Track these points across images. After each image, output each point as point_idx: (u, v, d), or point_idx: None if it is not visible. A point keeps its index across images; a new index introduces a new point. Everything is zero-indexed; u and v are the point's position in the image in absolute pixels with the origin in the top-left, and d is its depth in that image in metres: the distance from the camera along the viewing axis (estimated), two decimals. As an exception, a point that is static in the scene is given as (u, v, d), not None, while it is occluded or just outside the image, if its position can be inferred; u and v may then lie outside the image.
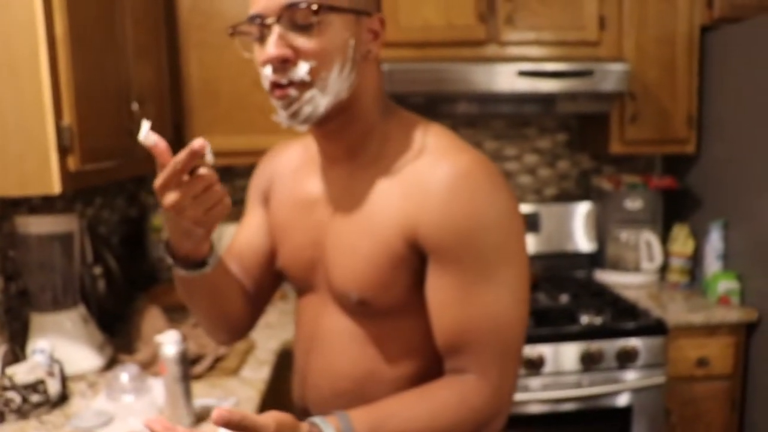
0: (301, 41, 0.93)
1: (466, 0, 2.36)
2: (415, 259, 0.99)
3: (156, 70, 2.13)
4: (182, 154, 0.85)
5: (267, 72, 0.95)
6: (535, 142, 2.90)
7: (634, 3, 2.47)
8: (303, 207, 1.13)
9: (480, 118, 2.84)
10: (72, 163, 1.48)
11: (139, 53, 1.95)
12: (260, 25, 0.95)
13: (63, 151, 1.45)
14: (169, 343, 1.41)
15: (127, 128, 1.81)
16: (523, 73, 2.29)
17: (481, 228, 0.94)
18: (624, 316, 2.26)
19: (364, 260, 1.01)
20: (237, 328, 1.22)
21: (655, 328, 2.19)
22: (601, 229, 2.81)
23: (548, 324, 2.18)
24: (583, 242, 2.80)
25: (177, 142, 2.31)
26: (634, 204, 2.72)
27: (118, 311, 2.19)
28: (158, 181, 0.88)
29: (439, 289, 0.97)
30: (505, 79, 2.29)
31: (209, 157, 0.86)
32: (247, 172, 2.70)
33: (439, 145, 1.00)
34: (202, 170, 0.88)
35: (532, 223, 2.74)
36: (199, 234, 0.95)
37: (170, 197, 0.87)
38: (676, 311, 2.29)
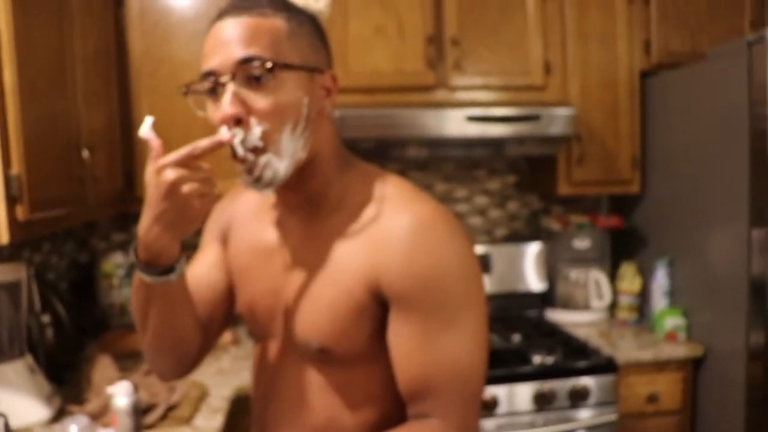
0: (255, 99, 0.93)
1: (415, 46, 2.42)
2: (376, 307, 1.00)
3: (107, 117, 2.13)
4: (207, 141, 0.88)
5: (223, 132, 0.93)
6: (485, 183, 2.96)
7: (577, 49, 2.56)
8: (262, 254, 1.13)
9: (430, 161, 2.89)
10: (20, 212, 1.46)
11: (89, 100, 1.94)
12: (214, 83, 0.95)
13: (11, 201, 1.44)
14: (120, 394, 1.39)
15: (77, 175, 1.80)
16: (472, 119, 2.35)
17: (442, 276, 0.96)
18: (575, 355, 2.29)
19: (325, 309, 1.01)
20: (183, 358, 1.16)
21: (606, 366, 2.23)
22: (551, 269, 2.86)
23: (501, 365, 2.21)
24: (533, 282, 2.85)
25: (128, 189, 2.30)
26: (582, 243, 2.78)
27: (68, 360, 2.14)
28: (168, 160, 0.87)
29: (402, 336, 0.98)
30: (455, 124, 2.35)
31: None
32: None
33: (398, 195, 1.02)
34: (204, 165, 0.90)
35: (483, 264, 2.78)
36: (179, 228, 0.92)
37: (173, 172, 0.86)
38: (625, 348, 2.34)
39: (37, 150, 1.54)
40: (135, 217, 2.63)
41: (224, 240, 1.22)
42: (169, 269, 0.98)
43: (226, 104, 0.92)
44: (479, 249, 2.80)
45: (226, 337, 2.44)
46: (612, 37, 2.59)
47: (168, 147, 0.90)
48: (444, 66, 2.46)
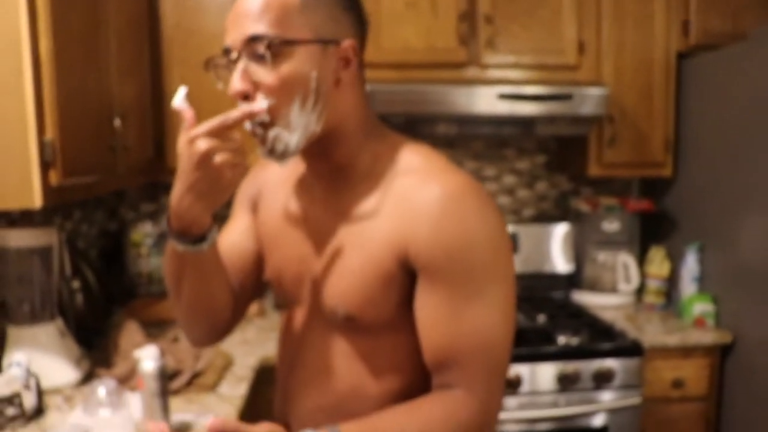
0: (262, 74, 0.95)
1: (447, 23, 2.40)
2: (404, 276, 1.00)
3: (139, 87, 2.14)
4: (238, 112, 0.90)
5: (240, 104, 0.96)
6: (514, 163, 2.94)
7: (612, 29, 2.52)
8: (291, 221, 1.14)
9: (459, 139, 2.87)
10: (54, 177, 1.48)
11: (122, 70, 1.96)
12: (228, 61, 0.97)
13: (45, 166, 1.46)
14: (147, 358, 1.41)
15: (109, 144, 1.82)
16: (503, 96, 2.33)
17: (471, 247, 0.96)
18: (601, 337, 2.28)
19: (353, 277, 1.02)
20: (217, 325, 1.19)
21: (632, 349, 2.21)
22: (578, 251, 2.84)
23: (526, 344, 2.20)
24: (560, 263, 2.83)
25: (158, 158, 2.31)
26: (611, 226, 2.75)
27: (96, 326, 2.18)
28: (200, 130, 0.89)
29: (428, 307, 0.99)
30: (485, 101, 2.33)
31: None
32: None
33: (429, 166, 1.02)
34: (236, 135, 0.92)
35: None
36: (211, 198, 0.93)
37: (205, 142, 0.88)
38: (652, 333, 2.32)
39: (70, 117, 1.56)
40: (164, 187, 2.67)
41: (254, 208, 1.23)
42: (200, 238, 1.01)
43: (235, 80, 0.95)
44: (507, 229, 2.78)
45: (252, 308, 2.46)
46: (649, 16, 2.54)
47: (198, 118, 0.92)
48: (476, 43, 2.44)
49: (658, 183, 2.78)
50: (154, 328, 2.24)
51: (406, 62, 2.39)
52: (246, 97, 0.95)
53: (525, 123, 2.49)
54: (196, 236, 1.00)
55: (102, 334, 2.17)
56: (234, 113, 0.90)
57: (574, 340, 2.26)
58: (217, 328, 1.20)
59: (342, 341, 1.08)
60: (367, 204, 1.03)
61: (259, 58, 0.94)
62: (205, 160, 0.89)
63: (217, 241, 1.07)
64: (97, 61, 1.78)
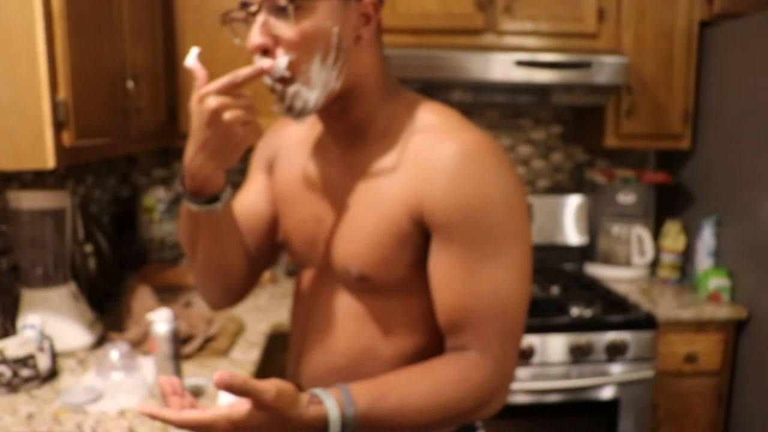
0: (282, 29, 0.93)
1: (466, -12, 2.35)
2: (418, 235, 0.99)
3: (151, 51, 2.11)
4: (248, 69, 0.89)
5: (257, 60, 0.94)
6: (530, 133, 2.90)
7: (633, -4, 2.47)
8: (306, 182, 1.13)
9: (474, 107, 2.83)
10: (66, 138, 1.46)
11: (134, 33, 1.93)
12: (246, 13, 0.95)
13: (58, 126, 1.44)
14: (161, 321, 1.41)
15: (121, 106, 1.80)
16: (521, 63, 2.29)
17: (486, 205, 0.94)
18: (614, 309, 2.27)
19: (367, 236, 1.01)
20: (232, 287, 1.19)
21: (645, 322, 2.20)
22: (592, 223, 2.81)
23: (538, 315, 2.19)
24: (574, 235, 2.80)
25: (171, 124, 2.29)
26: (626, 198, 2.73)
27: (108, 290, 2.18)
28: (210, 87, 0.89)
29: (443, 266, 0.97)
30: (502, 68, 2.29)
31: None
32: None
33: (444, 124, 1.00)
34: (246, 92, 0.92)
35: (524, 214, 2.74)
36: (222, 155, 0.94)
37: (215, 100, 0.88)
38: (666, 306, 2.30)
39: (83, 78, 1.54)
40: (176, 153, 2.65)
41: (270, 169, 1.22)
42: (214, 198, 1.01)
43: (254, 34, 0.93)
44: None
45: (264, 275, 2.45)
46: (671, -17, 2.48)
47: (212, 81, 0.90)
48: (494, 9, 2.39)
49: (675, 155, 2.74)
50: (166, 293, 2.24)
51: (422, 28, 2.35)
52: (265, 51, 0.93)
53: (541, 91, 2.45)
54: (210, 196, 1.01)
55: (114, 298, 2.18)
56: (244, 71, 0.89)
57: (588, 312, 2.25)
58: (232, 291, 1.20)
59: (355, 302, 1.07)
60: (383, 163, 1.02)
61: (279, 12, 0.92)
62: (214, 117, 0.89)
63: (231, 201, 1.07)
64: (109, 22, 1.75)
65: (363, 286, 1.05)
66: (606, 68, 2.34)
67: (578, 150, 2.94)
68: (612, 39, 2.47)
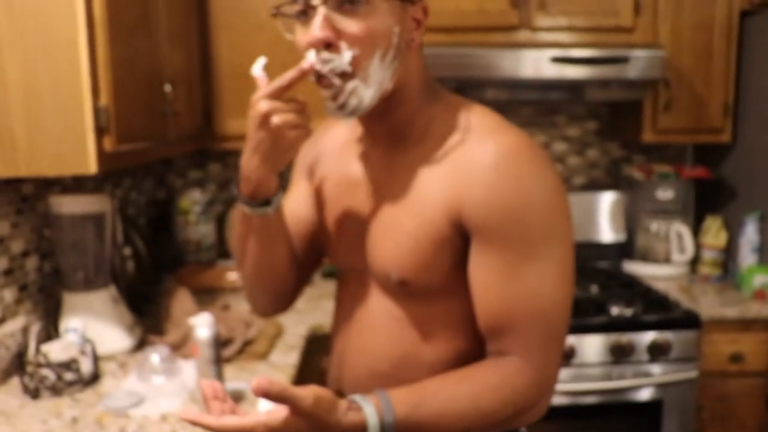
0: (346, 23, 0.92)
1: (500, -16, 2.33)
2: (458, 239, 0.97)
3: (187, 53, 2.12)
4: (293, 71, 0.91)
5: (310, 56, 0.93)
6: (564, 129, 2.87)
7: (670, -12, 2.42)
8: (347, 185, 1.13)
9: (508, 105, 2.81)
10: (108, 143, 1.48)
11: (171, 36, 1.94)
12: (305, 6, 0.94)
13: (99, 132, 1.46)
14: (202, 325, 1.41)
15: (159, 110, 1.81)
16: (556, 60, 2.25)
17: (527, 206, 0.92)
18: (655, 308, 2.22)
19: (407, 240, 1.00)
20: (280, 293, 1.20)
21: (688, 321, 2.15)
22: (630, 219, 2.77)
23: (577, 314, 2.15)
24: (611, 232, 2.77)
25: (206, 125, 2.30)
26: (665, 194, 2.68)
27: (146, 292, 2.20)
28: (261, 93, 0.92)
29: (483, 269, 0.96)
30: (537, 65, 2.26)
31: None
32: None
33: (484, 125, 0.99)
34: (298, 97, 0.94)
35: (561, 212, 2.70)
36: (274, 159, 0.96)
37: (265, 104, 0.91)
38: (709, 305, 2.25)
39: (123, 83, 1.55)
40: (212, 155, 2.66)
41: (311, 173, 1.22)
42: (266, 202, 1.03)
43: (317, 27, 0.92)
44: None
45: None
46: (710, -26, 2.43)
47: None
48: (528, 5, 2.36)
49: (715, 149, 2.69)
50: (204, 295, 2.25)
51: (456, 26, 2.33)
52: (328, 45, 0.93)
53: (576, 87, 2.42)
54: (263, 199, 1.03)
55: (151, 300, 2.19)
56: (289, 73, 0.91)
57: (628, 311, 2.21)
58: (281, 296, 1.20)
59: (396, 306, 1.06)
60: (422, 166, 1.01)
61: (343, 7, 0.92)
62: (264, 121, 0.91)
63: (282, 206, 1.08)
64: (147, 26, 1.76)
65: (403, 290, 1.04)
66: (642, 62, 2.30)
67: (614, 146, 2.90)
68: (648, 32, 2.43)
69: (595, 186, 2.89)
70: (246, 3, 2.29)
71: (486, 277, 0.96)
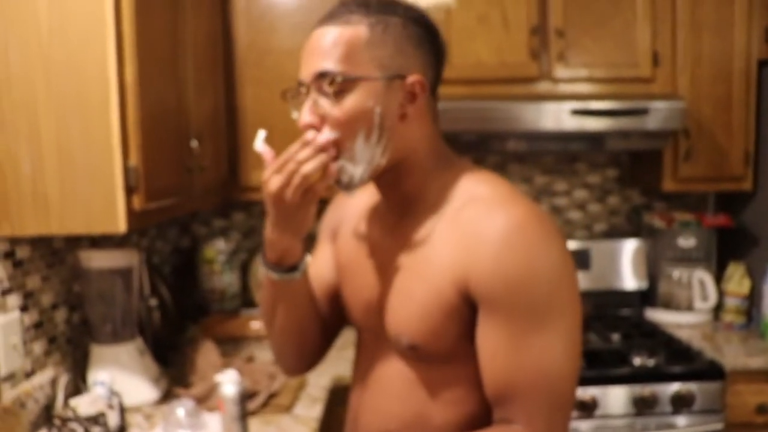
0: (327, 108, 0.99)
1: (519, 37, 2.38)
2: (466, 308, 1.00)
3: (213, 106, 2.17)
4: (296, 145, 0.97)
5: (308, 133, 1.00)
6: (585, 177, 2.88)
7: (688, 39, 2.45)
8: (364, 249, 1.16)
9: (529, 154, 2.83)
10: (137, 202, 1.52)
11: (199, 91, 1.99)
12: (300, 92, 1.02)
13: (129, 191, 1.50)
14: (228, 382, 1.43)
15: (186, 165, 1.85)
16: (576, 112, 2.28)
17: (532, 279, 0.94)
18: (678, 358, 2.21)
19: (416, 306, 1.03)
20: (307, 354, 1.25)
21: (712, 371, 2.14)
22: (651, 267, 2.76)
23: (600, 365, 2.15)
24: (633, 280, 2.76)
25: (232, 177, 2.35)
26: (687, 242, 2.68)
27: (171, 341, 2.22)
28: (269, 170, 0.99)
29: (488, 339, 0.98)
30: (557, 117, 2.29)
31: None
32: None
33: (493, 195, 1.02)
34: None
35: (581, 260, 2.71)
36: (291, 230, 1.02)
37: (275, 182, 0.97)
38: (733, 354, 2.23)
39: (151, 141, 1.59)
40: (236, 204, 2.70)
41: (334, 236, 1.26)
42: (292, 268, 1.09)
43: (304, 113, 1.00)
44: (577, 244, 2.73)
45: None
46: (728, 24, 2.45)
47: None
48: (548, 57, 2.40)
49: (736, 196, 2.69)
50: (228, 345, 2.27)
51: (476, 78, 2.37)
52: (313, 129, 0.99)
53: (596, 138, 2.44)
54: (288, 266, 1.09)
55: (176, 349, 2.21)
56: (294, 146, 0.97)
57: (651, 362, 2.20)
58: (307, 356, 1.26)
59: (407, 369, 1.09)
60: (433, 233, 1.04)
61: (324, 93, 0.99)
62: (276, 199, 0.98)
63: (307, 270, 1.14)
64: (176, 82, 1.82)
65: (414, 354, 1.06)
66: (663, 113, 2.32)
67: (635, 192, 2.91)
68: (668, 83, 2.46)
69: (615, 233, 2.90)
70: (271, 57, 2.34)
71: (491, 346, 0.98)
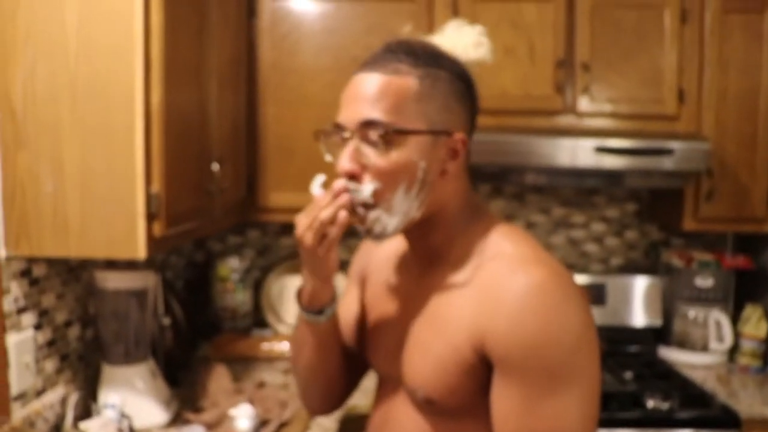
0: (371, 158, 0.98)
1: (544, 70, 2.36)
2: (482, 366, 0.98)
3: (233, 127, 2.16)
4: (327, 196, 0.99)
5: (338, 181, 1.00)
6: (603, 210, 2.86)
7: (715, 77, 2.42)
8: (388, 296, 1.16)
9: (547, 188, 2.82)
10: (157, 229, 1.51)
11: (221, 111, 1.99)
12: (340, 137, 1.00)
13: (150, 218, 1.49)
14: (243, 416, 1.43)
15: (206, 189, 1.84)
16: (601, 150, 2.26)
17: (548, 343, 0.92)
18: (693, 403, 2.17)
19: (433, 361, 1.02)
20: (331, 396, 1.26)
21: (728, 419, 2.10)
22: (667, 304, 2.73)
23: (612, 407, 2.12)
24: (647, 317, 2.72)
25: (249, 196, 2.34)
26: (705, 282, 2.65)
27: (182, 360, 2.21)
28: (300, 217, 1.03)
29: (502, 399, 0.96)
30: (579, 153, 2.26)
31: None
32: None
33: (517, 255, 1.00)
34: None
35: (597, 294, 2.68)
36: (317, 273, 1.05)
37: (300, 226, 1.02)
38: (749, 401, 2.20)
39: (174, 166, 1.59)
40: (252, 224, 2.68)
41: (362, 280, 1.27)
42: (320, 311, 1.10)
43: (344, 159, 0.98)
44: (593, 279, 2.71)
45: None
46: (756, 64, 2.42)
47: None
48: (572, 91, 2.39)
49: (756, 237, 2.66)
50: (238, 365, 2.25)
51: (501, 108, 2.35)
52: (353, 176, 0.98)
53: (616, 176, 2.42)
54: (316, 308, 1.11)
55: (187, 368, 2.20)
56: (325, 198, 0.99)
57: (665, 405, 2.16)
58: (331, 398, 1.26)
59: (424, 421, 1.07)
60: (454, 288, 1.03)
61: (370, 142, 0.97)
62: (299, 241, 1.02)
63: (336, 315, 1.15)
64: (199, 104, 1.81)
65: (430, 408, 1.05)
66: (687, 154, 2.29)
67: (653, 228, 2.88)
68: (692, 121, 2.43)
69: (632, 267, 2.87)
70: (294, 78, 2.34)
71: (504, 408, 0.96)
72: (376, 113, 0.96)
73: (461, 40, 1.07)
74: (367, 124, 0.97)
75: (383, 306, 1.17)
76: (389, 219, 1.00)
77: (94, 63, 1.47)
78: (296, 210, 2.43)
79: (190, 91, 1.73)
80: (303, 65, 2.34)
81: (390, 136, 0.96)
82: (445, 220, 1.05)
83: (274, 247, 2.77)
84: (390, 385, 1.15)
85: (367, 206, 0.99)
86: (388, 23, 2.29)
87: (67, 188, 1.49)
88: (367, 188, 0.97)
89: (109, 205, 1.48)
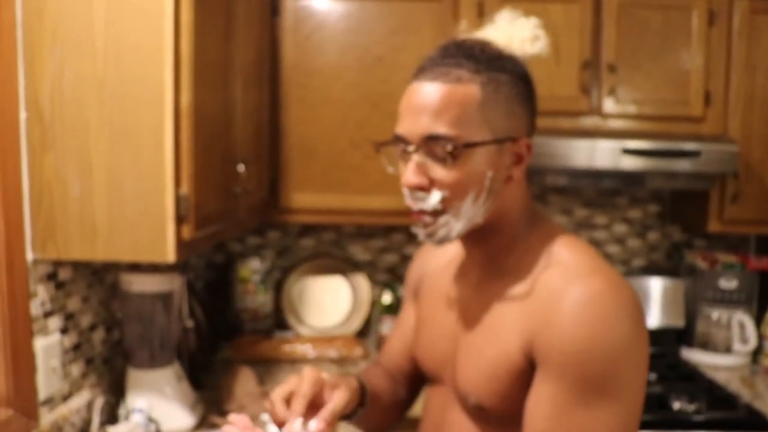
0: (438, 172, 0.96)
1: (570, 71, 2.34)
2: (531, 372, 0.97)
3: (257, 127, 2.15)
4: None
5: (405, 192, 0.99)
6: (626, 211, 2.84)
7: (742, 79, 2.40)
8: (445, 302, 1.16)
9: (569, 188, 2.79)
10: (186, 231, 1.50)
11: (245, 112, 1.97)
12: (403, 150, 0.98)
13: (179, 220, 1.47)
14: (272, 422, 1.40)
15: (232, 190, 1.83)
16: (627, 152, 2.23)
17: (591, 352, 0.90)
18: (720, 405, 2.15)
19: (485, 367, 1.01)
20: (393, 420, 1.31)
21: (755, 421, 2.07)
22: (690, 306, 2.70)
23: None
24: (669, 318, 2.70)
25: (272, 197, 2.32)
26: (729, 283, 2.62)
27: (204, 362, 2.20)
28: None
29: (534, 402, 0.95)
30: (604, 156, 2.24)
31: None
32: (331, 228, 2.71)
33: (575, 264, 0.98)
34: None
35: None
36: None
37: None
38: (775, 404, 2.18)
39: (202, 168, 1.57)
40: (271, 224, 2.66)
41: (416, 294, 1.27)
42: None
43: (410, 173, 0.96)
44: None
45: (356, 351, 2.43)
46: (783, 66, 2.41)
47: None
48: (598, 92, 2.36)
49: (781, 239, 2.63)
50: (261, 368, 2.24)
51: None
52: (420, 189, 0.97)
53: (638, 177, 2.39)
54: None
55: (209, 370, 2.19)
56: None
57: (691, 407, 2.14)
58: (393, 420, 1.31)
59: (475, 427, 1.06)
60: (510, 295, 1.01)
61: (436, 156, 0.95)
62: None
63: (370, 398, 1.18)
64: (225, 105, 1.80)
65: (480, 414, 1.04)
66: (713, 156, 2.26)
67: (675, 229, 2.86)
68: (718, 123, 2.40)
69: (654, 270, 2.84)
70: (317, 78, 2.32)
71: (535, 407, 0.95)
72: (440, 127, 0.94)
73: (517, 33, 1.02)
74: (432, 139, 0.94)
75: (438, 311, 1.16)
76: (456, 223, 0.98)
77: (123, 63, 1.45)
78: (318, 211, 2.42)
79: (218, 92, 1.72)
80: (326, 65, 2.32)
81: (457, 150, 0.93)
82: (505, 226, 1.04)
83: (294, 248, 2.76)
84: (442, 389, 1.15)
85: (436, 213, 0.98)
86: (413, 23, 2.28)
87: (94, 190, 1.47)
88: (434, 198, 0.96)
89: (137, 207, 1.46)
